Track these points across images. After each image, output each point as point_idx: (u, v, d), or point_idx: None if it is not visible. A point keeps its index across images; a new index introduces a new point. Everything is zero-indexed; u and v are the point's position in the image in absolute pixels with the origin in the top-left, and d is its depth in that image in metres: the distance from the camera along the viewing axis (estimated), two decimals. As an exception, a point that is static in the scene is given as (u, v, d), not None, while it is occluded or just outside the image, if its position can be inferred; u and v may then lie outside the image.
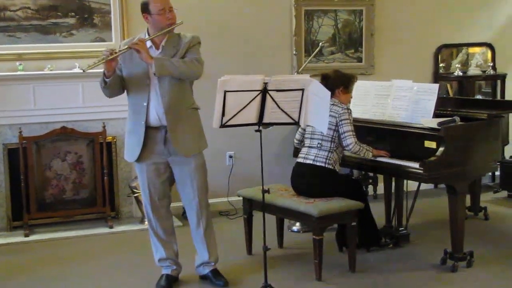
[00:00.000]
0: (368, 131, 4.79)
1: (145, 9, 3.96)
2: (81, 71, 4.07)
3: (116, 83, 4.00)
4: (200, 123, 4.16)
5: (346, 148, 4.54)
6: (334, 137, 4.50)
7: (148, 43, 3.97)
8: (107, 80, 3.94)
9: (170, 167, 4.15)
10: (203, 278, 4.34)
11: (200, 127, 4.15)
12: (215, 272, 4.29)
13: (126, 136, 4.18)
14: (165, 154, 4.08)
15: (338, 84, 4.55)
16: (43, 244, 5.26)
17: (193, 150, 4.08)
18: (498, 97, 7.02)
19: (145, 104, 3.97)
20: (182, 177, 4.14)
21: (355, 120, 4.85)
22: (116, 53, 3.84)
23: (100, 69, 3.96)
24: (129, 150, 4.13)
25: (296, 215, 4.49)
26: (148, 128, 4.01)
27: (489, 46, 7.12)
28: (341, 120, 4.45)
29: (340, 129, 4.47)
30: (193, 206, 4.18)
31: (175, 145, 4.00)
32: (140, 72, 3.96)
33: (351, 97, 4.77)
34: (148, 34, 4.01)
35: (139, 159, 4.08)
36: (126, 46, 3.90)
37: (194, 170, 4.10)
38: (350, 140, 4.46)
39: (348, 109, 4.52)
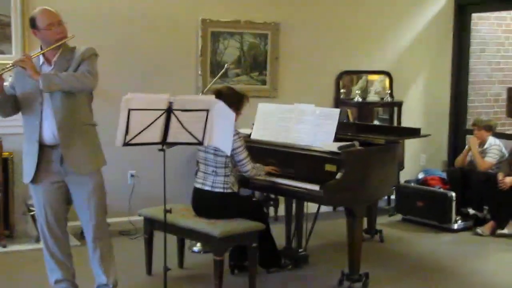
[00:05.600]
0: (271, 153, 4.84)
1: (33, 24, 3.86)
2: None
3: (7, 102, 3.88)
4: (97, 140, 4.06)
5: (243, 174, 4.57)
6: (227, 163, 4.48)
7: (41, 59, 3.88)
8: None
9: (67, 187, 4.02)
10: None
11: (97, 144, 4.05)
12: None
13: (23, 157, 4.03)
14: (62, 173, 3.95)
15: (231, 103, 4.27)
16: None
17: (88, 168, 3.96)
18: (395, 124, 7.29)
19: (37, 122, 3.85)
20: (79, 197, 4.01)
21: (258, 142, 4.91)
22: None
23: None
24: (25, 171, 3.99)
25: (198, 235, 4.48)
26: (43, 147, 3.89)
27: (387, 74, 7.40)
28: (233, 149, 4.37)
29: (235, 157, 4.46)
30: (90, 228, 4.05)
31: (68, 162, 3.88)
32: (32, 90, 3.82)
33: (240, 115, 4.58)
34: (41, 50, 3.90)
35: (34, 180, 3.94)
36: (10, 64, 3.75)
37: (91, 191, 3.98)
38: (247, 167, 4.50)
39: (237, 133, 4.45)
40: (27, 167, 3.95)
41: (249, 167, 4.50)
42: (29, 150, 3.92)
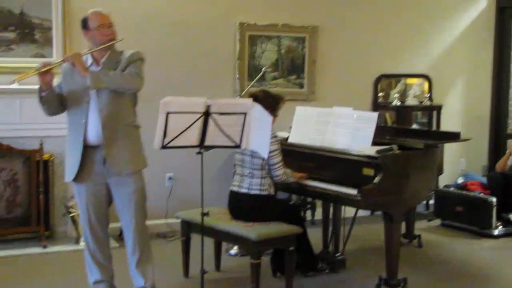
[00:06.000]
0: (308, 157, 4.83)
1: (84, 25, 3.95)
2: (17, 86, 3.98)
3: (53, 100, 3.93)
4: (140, 142, 4.10)
5: (274, 178, 4.56)
6: (263, 165, 4.48)
7: (89, 60, 3.95)
8: (42, 94, 3.87)
9: (109, 189, 4.06)
10: None
11: (139, 145, 4.08)
12: None
13: (66, 156, 4.10)
14: (104, 174, 3.99)
15: (267, 106, 4.28)
16: (-27, 263, 5.09)
17: (129, 169, 3.99)
18: (434, 127, 7.21)
19: (83, 121, 3.90)
20: (120, 198, 4.05)
21: (296, 146, 4.90)
22: (49, 65, 3.78)
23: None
24: (68, 169, 4.04)
25: (235, 238, 4.48)
26: (87, 147, 3.93)
27: (426, 77, 7.32)
28: (270, 152, 4.34)
29: (269, 160, 4.46)
30: (130, 230, 4.09)
31: (110, 162, 3.91)
32: (80, 89, 3.89)
33: (276, 117, 4.63)
34: None
35: (77, 180, 3.99)
36: (61, 59, 3.84)
37: (132, 192, 4.02)
38: (279, 172, 4.49)
39: (275, 136, 4.48)
40: (70, 166, 4.01)
41: (281, 172, 4.50)
42: (73, 149, 3.98)
